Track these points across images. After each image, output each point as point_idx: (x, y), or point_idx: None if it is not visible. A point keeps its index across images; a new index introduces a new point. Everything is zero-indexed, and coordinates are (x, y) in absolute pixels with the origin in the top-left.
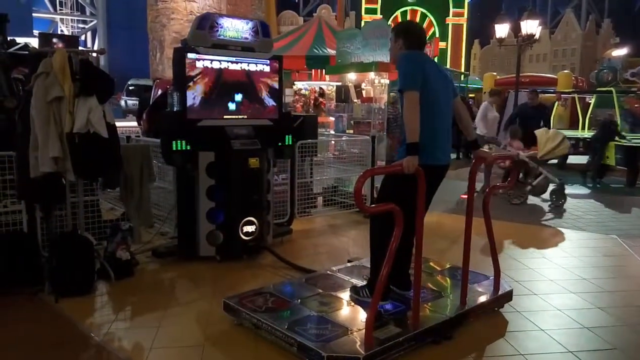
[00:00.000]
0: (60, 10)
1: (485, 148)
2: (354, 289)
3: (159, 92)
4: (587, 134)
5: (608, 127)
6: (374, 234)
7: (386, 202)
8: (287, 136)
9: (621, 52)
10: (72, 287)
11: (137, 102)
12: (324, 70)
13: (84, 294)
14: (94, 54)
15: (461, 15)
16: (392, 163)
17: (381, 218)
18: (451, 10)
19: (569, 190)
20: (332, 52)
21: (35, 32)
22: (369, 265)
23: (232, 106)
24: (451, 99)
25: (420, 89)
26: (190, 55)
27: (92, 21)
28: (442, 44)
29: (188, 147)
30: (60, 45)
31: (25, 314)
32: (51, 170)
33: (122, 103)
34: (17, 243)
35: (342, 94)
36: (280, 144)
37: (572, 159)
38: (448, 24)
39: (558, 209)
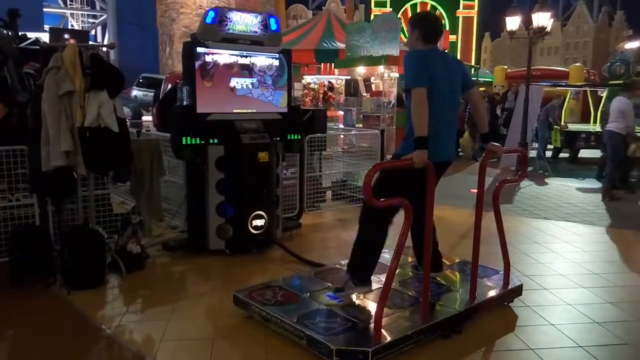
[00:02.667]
0: (70, 5)
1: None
2: (336, 290)
3: (169, 86)
4: (599, 127)
5: None
6: (365, 222)
7: (385, 195)
8: (296, 130)
9: (634, 44)
10: (83, 280)
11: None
12: (333, 64)
13: (96, 287)
14: (104, 49)
15: (472, 7)
16: (402, 157)
17: (374, 208)
18: (462, 2)
19: (579, 184)
20: (341, 45)
21: (46, 27)
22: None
23: (241, 100)
24: (458, 95)
25: (427, 86)
26: (200, 50)
27: (102, 16)
28: (452, 37)
29: (198, 141)
30: (71, 40)
31: (37, 307)
32: (62, 164)
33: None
34: (30, 236)
35: (351, 87)
36: (289, 137)
37: (584, 153)
38: (458, 16)
39: (570, 205)
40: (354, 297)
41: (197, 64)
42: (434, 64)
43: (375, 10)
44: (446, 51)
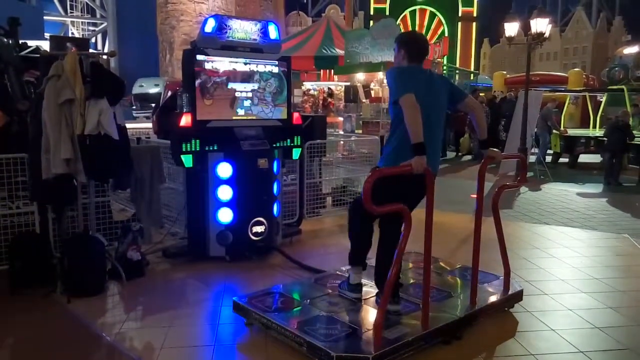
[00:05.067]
0: (70, 13)
1: None
2: (341, 284)
3: (169, 93)
4: (598, 132)
5: (618, 129)
6: (354, 224)
7: (380, 202)
8: (296, 137)
9: (633, 49)
10: (84, 288)
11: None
12: (332, 71)
13: (96, 294)
14: (105, 57)
15: (471, 13)
16: (401, 164)
17: (364, 212)
18: (460, 8)
19: (579, 189)
20: (340, 52)
21: (47, 35)
22: None
23: (240, 107)
24: (443, 110)
25: (413, 92)
26: (200, 57)
27: (102, 24)
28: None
29: (197, 148)
30: (72, 48)
31: (38, 314)
32: (63, 172)
33: None
34: (30, 244)
35: (351, 94)
36: (289, 144)
37: (583, 158)
38: (457, 22)
39: (570, 210)
40: (353, 303)
41: (197, 71)
42: (416, 79)
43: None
44: (429, 70)
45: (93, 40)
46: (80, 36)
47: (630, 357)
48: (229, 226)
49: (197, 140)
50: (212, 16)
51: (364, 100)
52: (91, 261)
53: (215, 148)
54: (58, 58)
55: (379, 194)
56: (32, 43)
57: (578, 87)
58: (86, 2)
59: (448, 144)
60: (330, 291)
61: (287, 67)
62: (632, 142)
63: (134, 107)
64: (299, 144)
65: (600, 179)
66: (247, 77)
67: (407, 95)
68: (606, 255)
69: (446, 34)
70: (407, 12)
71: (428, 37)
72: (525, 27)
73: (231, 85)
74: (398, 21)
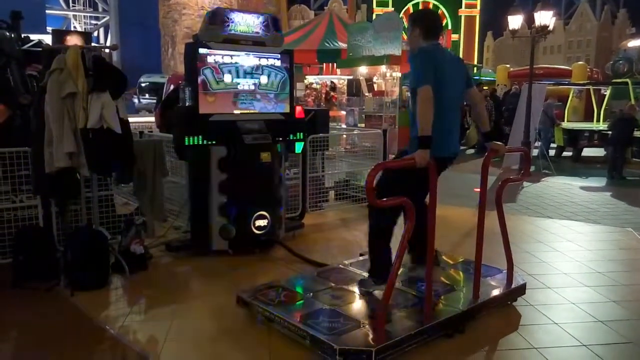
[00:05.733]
0: (73, 6)
1: None
2: (361, 281)
3: (171, 87)
4: (602, 126)
5: (626, 122)
6: (374, 223)
7: (388, 193)
8: (298, 131)
9: (637, 42)
10: (87, 281)
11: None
12: (335, 64)
13: (99, 288)
14: (107, 50)
15: (474, 6)
16: (404, 157)
17: (381, 208)
18: (464, 1)
19: (583, 183)
20: (343, 45)
21: (49, 28)
22: None
23: (243, 101)
24: (462, 91)
25: (432, 84)
26: (202, 51)
27: (104, 17)
28: (454, 36)
29: (200, 142)
30: (74, 40)
31: (41, 308)
32: (66, 166)
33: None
34: (33, 237)
35: (354, 87)
36: (292, 138)
37: (587, 152)
38: (460, 15)
39: (573, 203)
40: (356, 296)
41: (199, 64)
42: (440, 60)
43: (377, 10)
44: (448, 50)
45: (95, 33)
46: (83, 30)
47: (633, 351)
48: (232, 220)
49: (200, 134)
50: (214, 9)
51: (366, 94)
52: (94, 255)
53: (218, 142)
54: (60, 52)
55: (392, 184)
56: (34, 37)
57: (582, 81)
58: None
59: None
60: (333, 284)
61: (289, 61)
62: (636, 135)
63: (136, 100)
64: (301, 137)
65: (604, 172)
66: (249, 71)
67: (424, 88)
68: (609, 248)
69: (449, 27)
70: (410, 5)
71: None
72: (529, 20)
73: (233, 79)
74: (401, 14)
